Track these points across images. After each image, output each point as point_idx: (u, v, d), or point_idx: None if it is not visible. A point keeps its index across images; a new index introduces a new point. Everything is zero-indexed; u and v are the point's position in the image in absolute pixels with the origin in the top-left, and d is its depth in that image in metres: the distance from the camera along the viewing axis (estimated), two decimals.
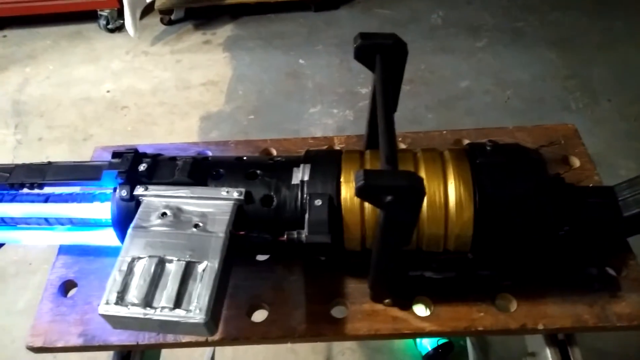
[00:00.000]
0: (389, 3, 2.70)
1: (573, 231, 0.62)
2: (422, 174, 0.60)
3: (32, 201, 0.70)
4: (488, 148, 0.62)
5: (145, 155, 0.67)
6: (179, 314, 0.53)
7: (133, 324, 0.55)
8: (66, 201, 0.70)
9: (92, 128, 2.19)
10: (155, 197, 0.63)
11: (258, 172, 0.65)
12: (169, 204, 0.63)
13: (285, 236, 0.60)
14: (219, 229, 0.59)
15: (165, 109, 2.25)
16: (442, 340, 1.39)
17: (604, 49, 2.33)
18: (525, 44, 2.40)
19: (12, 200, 0.71)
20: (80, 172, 0.69)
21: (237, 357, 1.45)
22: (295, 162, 0.66)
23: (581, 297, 0.66)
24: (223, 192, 0.63)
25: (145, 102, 2.29)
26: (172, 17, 2.69)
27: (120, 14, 2.53)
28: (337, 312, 0.67)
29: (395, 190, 0.47)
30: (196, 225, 0.60)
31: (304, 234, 0.59)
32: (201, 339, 0.65)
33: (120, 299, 0.54)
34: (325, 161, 0.65)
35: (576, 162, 0.81)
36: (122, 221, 0.64)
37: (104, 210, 0.67)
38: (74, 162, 0.71)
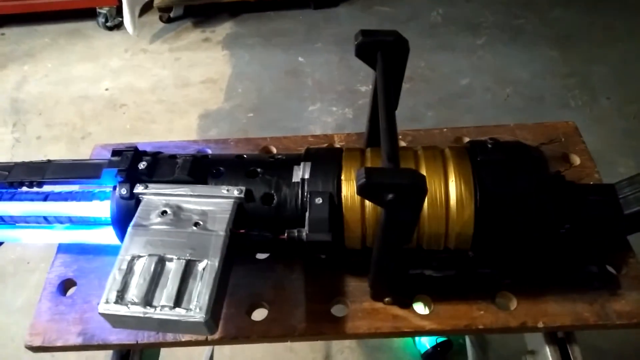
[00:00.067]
0: (389, 0, 2.69)
1: (574, 229, 0.62)
2: (423, 171, 0.60)
3: (32, 199, 0.70)
4: (489, 146, 0.62)
5: (145, 153, 0.67)
6: (179, 313, 0.53)
7: (133, 323, 0.55)
8: (65, 199, 0.70)
9: (91, 126, 2.19)
10: (155, 196, 0.63)
11: (258, 170, 0.65)
12: (169, 202, 0.62)
13: (286, 234, 0.60)
14: (219, 227, 0.59)
15: (164, 107, 2.24)
16: (441, 339, 1.39)
17: (603, 47, 2.33)
18: (525, 42, 2.40)
19: (11, 198, 0.70)
20: (79, 170, 0.69)
21: (235, 355, 1.45)
22: (295, 160, 0.66)
23: (581, 295, 0.66)
24: (223, 190, 0.63)
25: (144, 100, 2.28)
26: (171, 14, 2.69)
27: (119, 11, 2.52)
28: (337, 310, 0.67)
29: (397, 188, 0.47)
30: (196, 224, 0.60)
31: (305, 232, 0.59)
32: (201, 337, 0.64)
33: (120, 298, 0.54)
34: (326, 159, 0.64)
35: (576, 159, 0.81)
36: (122, 219, 0.64)
37: (103, 209, 0.67)
38: (74, 160, 0.71)
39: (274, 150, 0.86)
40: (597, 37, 2.39)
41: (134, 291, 0.54)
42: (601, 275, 0.67)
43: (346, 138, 0.87)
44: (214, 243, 0.58)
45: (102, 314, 0.54)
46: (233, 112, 2.19)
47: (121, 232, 0.65)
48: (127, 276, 0.55)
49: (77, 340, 0.66)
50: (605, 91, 2.14)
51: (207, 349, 1.23)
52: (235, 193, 0.62)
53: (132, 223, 0.61)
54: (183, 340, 0.65)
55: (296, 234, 0.59)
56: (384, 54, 0.62)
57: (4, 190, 0.71)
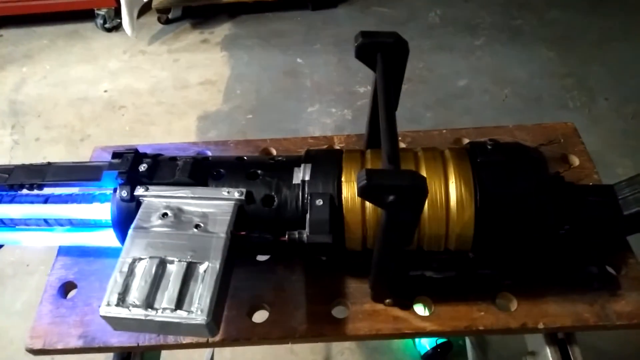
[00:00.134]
0: (387, 1, 2.70)
1: (573, 230, 0.62)
2: (423, 173, 0.60)
3: (32, 202, 0.70)
4: (488, 147, 0.62)
5: (145, 155, 0.67)
6: (180, 315, 0.53)
7: (134, 326, 0.55)
8: (66, 202, 0.70)
9: (90, 128, 2.18)
10: (156, 198, 0.63)
11: (259, 172, 0.65)
12: (169, 204, 0.62)
13: (287, 236, 0.60)
14: (220, 229, 0.59)
15: (163, 109, 2.24)
16: (441, 340, 1.39)
17: (601, 48, 2.34)
18: (523, 43, 2.41)
19: (12, 201, 0.70)
20: (80, 173, 0.69)
21: (235, 357, 1.45)
22: (295, 161, 0.66)
23: (581, 296, 0.66)
24: (224, 192, 0.63)
25: (142, 101, 2.28)
26: (170, 16, 2.69)
27: (118, 13, 2.52)
28: (338, 312, 0.67)
29: (398, 190, 0.47)
30: (197, 226, 0.60)
31: (305, 234, 0.59)
32: (202, 340, 0.64)
33: (122, 301, 0.54)
34: (326, 161, 0.65)
35: (575, 160, 0.81)
36: (123, 222, 0.64)
37: (103, 211, 0.67)
38: (74, 162, 0.71)
39: (274, 152, 0.86)
40: (595, 37, 2.39)
41: (135, 294, 0.54)
42: (601, 276, 0.67)
43: (346, 139, 0.87)
44: (215, 245, 0.58)
45: (104, 317, 0.54)
46: (232, 113, 2.19)
47: (122, 235, 0.65)
48: (128, 279, 0.55)
49: (78, 343, 0.66)
50: (603, 92, 2.15)
51: (207, 351, 1.23)
52: (236, 195, 0.62)
53: (132, 225, 0.61)
54: (184, 342, 0.65)
55: (297, 236, 0.59)
56: (384, 55, 0.62)
57: (4, 193, 0.71)
